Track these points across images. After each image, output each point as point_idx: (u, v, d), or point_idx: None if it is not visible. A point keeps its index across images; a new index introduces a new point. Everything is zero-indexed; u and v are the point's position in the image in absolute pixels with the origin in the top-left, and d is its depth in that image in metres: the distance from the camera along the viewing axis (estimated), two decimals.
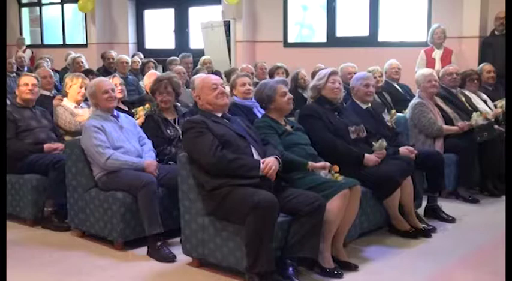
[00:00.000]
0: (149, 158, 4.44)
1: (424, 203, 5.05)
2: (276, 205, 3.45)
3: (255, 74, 7.66)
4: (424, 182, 5.03)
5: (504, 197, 5.71)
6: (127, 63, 8.49)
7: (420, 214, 4.89)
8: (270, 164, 3.65)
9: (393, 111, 5.35)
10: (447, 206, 5.18)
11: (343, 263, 3.90)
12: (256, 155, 3.76)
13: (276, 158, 3.74)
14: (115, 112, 4.57)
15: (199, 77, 4.15)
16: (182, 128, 3.89)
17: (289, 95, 4.23)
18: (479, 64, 7.36)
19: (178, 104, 5.31)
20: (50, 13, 13.97)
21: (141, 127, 4.75)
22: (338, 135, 4.44)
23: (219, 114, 3.89)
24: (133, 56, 10.51)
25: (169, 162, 4.58)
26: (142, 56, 10.20)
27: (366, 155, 4.43)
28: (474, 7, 8.00)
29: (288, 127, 4.26)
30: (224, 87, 3.94)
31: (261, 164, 3.65)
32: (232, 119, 3.95)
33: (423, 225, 4.66)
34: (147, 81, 6.18)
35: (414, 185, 4.59)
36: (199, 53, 10.14)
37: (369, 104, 4.99)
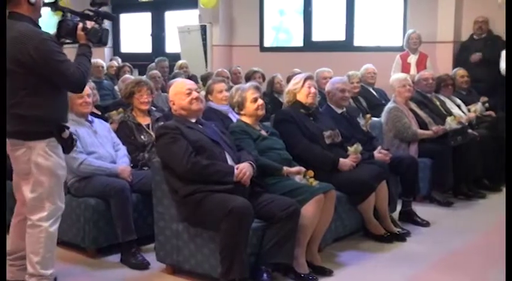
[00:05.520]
0: (123, 163, 4.39)
1: (399, 208, 5.07)
2: (250, 210, 3.43)
3: (230, 79, 7.62)
4: (399, 187, 5.04)
5: (479, 201, 5.78)
6: (102, 67, 8.39)
7: (395, 218, 4.90)
8: (244, 170, 3.63)
9: (368, 115, 5.37)
10: (422, 210, 5.21)
11: (318, 268, 3.89)
12: (230, 161, 3.74)
13: (250, 163, 3.72)
14: (89, 117, 4.51)
15: (174, 82, 4.11)
16: (155, 134, 3.85)
17: (260, 101, 4.18)
18: (453, 68, 7.43)
19: (154, 108, 5.28)
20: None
21: (115, 133, 4.70)
22: (313, 140, 4.44)
23: (193, 120, 3.85)
24: (110, 60, 10.43)
25: (144, 167, 4.54)
26: (120, 60, 10.12)
27: (341, 159, 4.44)
28: (449, 12, 8.06)
29: (263, 132, 4.25)
30: (199, 92, 3.91)
31: (235, 170, 3.62)
32: (206, 124, 3.92)
33: (398, 229, 4.67)
34: (121, 86, 6.13)
35: (389, 189, 4.60)
36: (176, 57, 10.09)
37: (344, 109, 4.99)
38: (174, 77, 7.18)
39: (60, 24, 3.49)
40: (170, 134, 3.66)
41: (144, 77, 6.24)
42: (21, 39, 3.20)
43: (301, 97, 4.57)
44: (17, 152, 3.36)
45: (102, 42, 3.58)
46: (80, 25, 3.48)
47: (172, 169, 3.67)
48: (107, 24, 3.72)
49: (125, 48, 12.34)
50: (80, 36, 3.49)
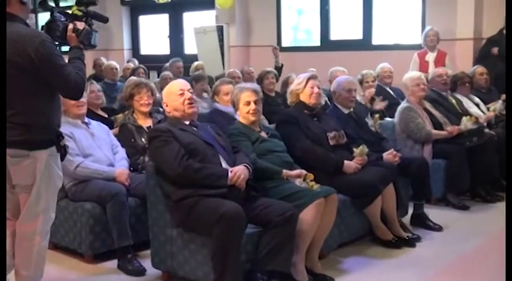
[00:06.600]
0: (121, 167, 4.30)
1: (411, 211, 4.86)
2: (242, 216, 3.28)
3: (242, 79, 7.49)
4: (409, 189, 4.83)
5: (497, 204, 5.53)
6: (116, 69, 8.34)
7: (405, 223, 4.70)
8: (238, 173, 3.49)
9: (376, 115, 5.19)
10: (436, 213, 5.00)
11: (319, 275, 3.73)
12: (224, 164, 3.60)
13: (246, 166, 3.59)
14: (86, 119, 4.42)
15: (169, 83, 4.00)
16: (148, 137, 3.74)
17: (253, 106, 4.00)
18: (473, 66, 7.19)
19: (161, 109, 5.18)
20: (45, 20, 13.85)
21: (116, 135, 4.62)
22: (316, 141, 4.28)
23: (187, 122, 3.73)
24: (127, 62, 10.39)
25: (143, 171, 4.42)
26: (136, 62, 10.08)
27: (346, 161, 4.27)
28: (468, 9, 7.80)
29: (263, 134, 4.11)
30: (192, 93, 3.78)
31: (230, 173, 3.49)
32: (200, 126, 3.79)
33: (407, 234, 4.46)
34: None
35: (397, 192, 4.42)
36: (194, 58, 10.00)
37: (351, 109, 4.82)
38: (197, 78, 7.09)
39: (49, 25, 3.26)
40: (161, 137, 3.55)
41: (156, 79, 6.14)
42: (20, 41, 2.98)
43: (304, 97, 4.42)
44: (21, 163, 3.10)
45: (91, 45, 3.37)
46: (71, 26, 3.26)
47: (165, 173, 3.55)
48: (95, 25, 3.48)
49: (144, 50, 12.31)
50: (70, 38, 3.26)
